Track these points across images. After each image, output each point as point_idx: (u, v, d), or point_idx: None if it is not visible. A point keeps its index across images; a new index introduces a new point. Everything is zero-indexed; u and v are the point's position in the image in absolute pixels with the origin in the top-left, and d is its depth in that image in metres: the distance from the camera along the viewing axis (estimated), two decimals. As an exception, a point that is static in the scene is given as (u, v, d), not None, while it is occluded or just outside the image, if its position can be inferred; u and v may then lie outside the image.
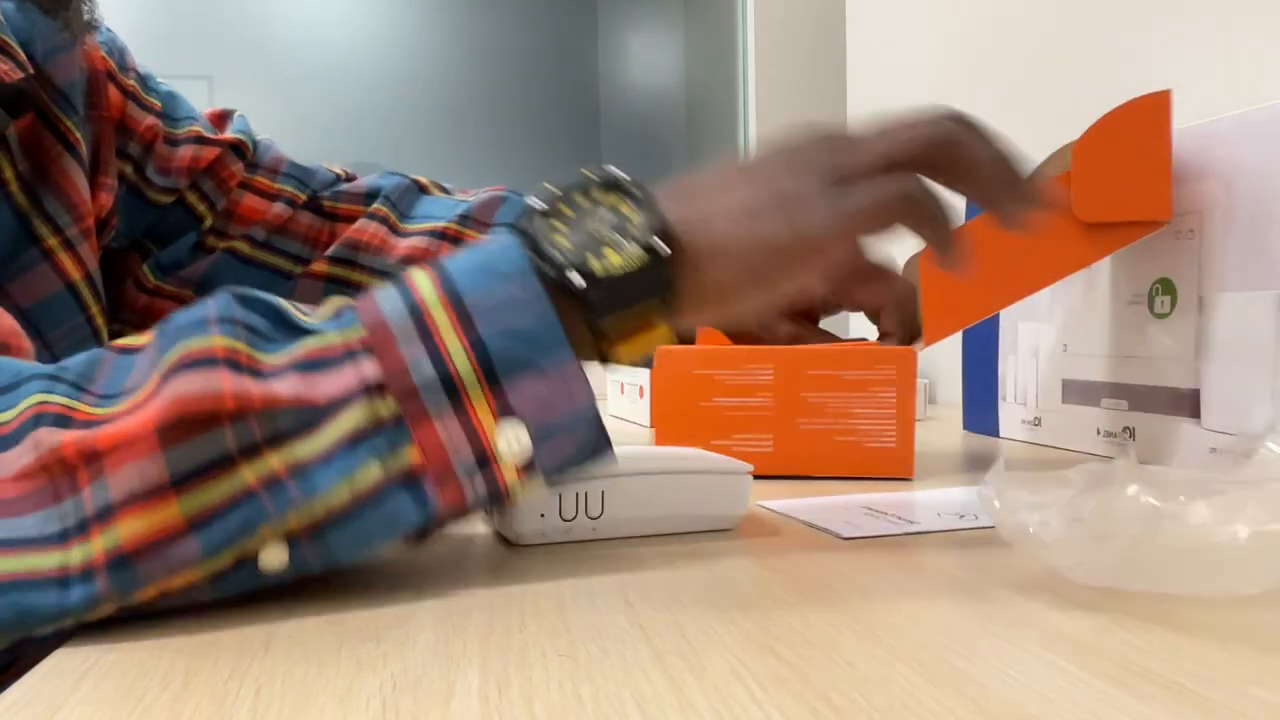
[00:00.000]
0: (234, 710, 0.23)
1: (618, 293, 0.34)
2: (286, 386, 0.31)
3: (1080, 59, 0.94)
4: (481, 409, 0.32)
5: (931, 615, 0.30)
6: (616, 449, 0.37)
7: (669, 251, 0.34)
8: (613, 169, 0.36)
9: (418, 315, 0.32)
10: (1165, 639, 0.27)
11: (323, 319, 0.33)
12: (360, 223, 0.68)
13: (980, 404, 0.79)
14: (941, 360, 1.18)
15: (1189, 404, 0.56)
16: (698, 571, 0.36)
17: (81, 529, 0.29)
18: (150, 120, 0.63)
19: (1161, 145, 0.55)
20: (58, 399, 0.31)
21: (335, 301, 0.34)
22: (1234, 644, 0.27)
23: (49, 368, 0.32)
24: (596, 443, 0.35)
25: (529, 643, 0.28)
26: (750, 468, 0.43)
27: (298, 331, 0.33)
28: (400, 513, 0.31)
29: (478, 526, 0.45)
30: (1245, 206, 0.53)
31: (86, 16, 0.51)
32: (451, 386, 0.32)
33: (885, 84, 1.37)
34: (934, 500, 0.48)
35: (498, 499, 0.33)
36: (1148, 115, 0.54)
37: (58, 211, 0.51)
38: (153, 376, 0.31)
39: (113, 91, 0.60)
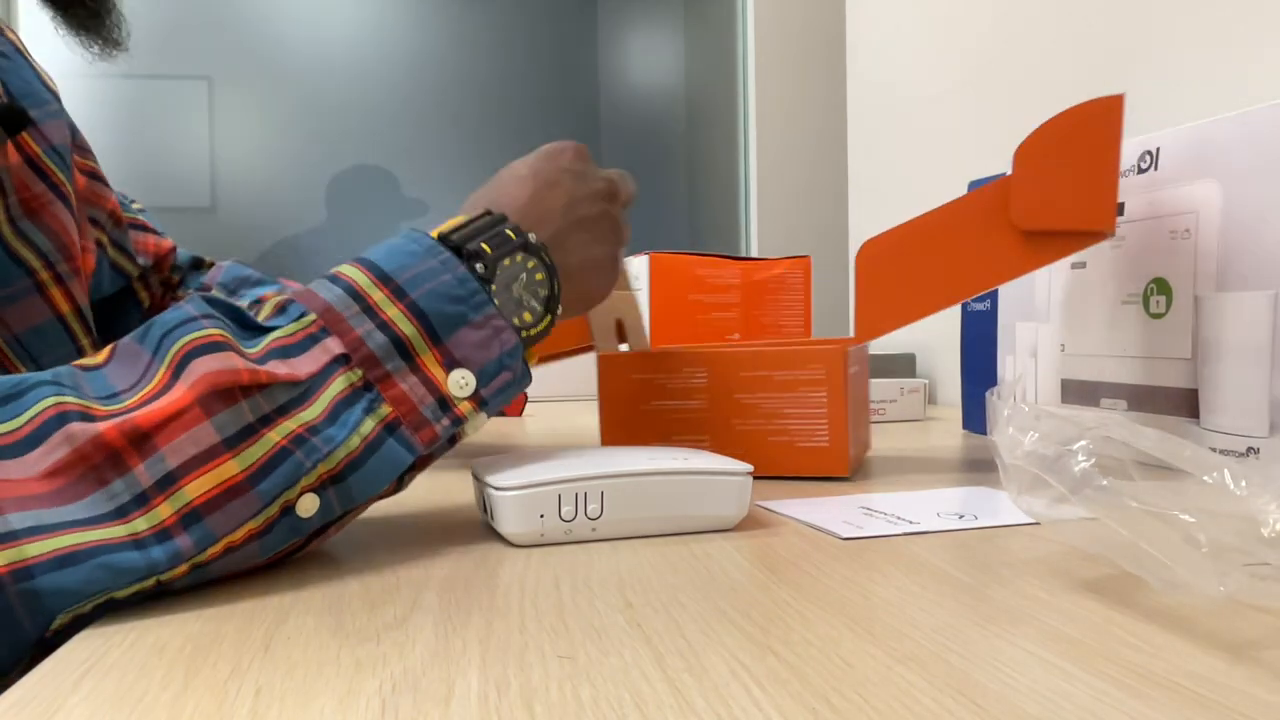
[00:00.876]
0: (234, 710, 0.23)
1: (531, 343, 0.43)
2: (274, 367, 0.35)
3: (1080, 59, 0.94)
4: (431, 364, 0.39)
5: (931, 615, 0.30)
6: (616, 450, 0.39)
7: (560, 310, 0.44)
8: (530, 235, 0.43)
9: (357, 296, 0.38)
10: (1165, 639, 0.27)
11: (270, 317, 0.38)
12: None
13: (979, 404, 0.79)
14: (941, 361, 1.18)
15: (1187, 404, 0.56)
16: (697, 572, 0.36)
17: (141, 502, 0.32)
18: (112, 197, 0.67)
19: (1109, 153, 0.52)
20: (71, 399, 0.33)
21: (273, 301, 0.39)
22: (1233, 644, 0.27)
23: (44, 375, 0.34)
24: (525, 372, 0.42)
25: (528, 643, 0.28)
26: (750, 468, 0.43)
27: (258, 330, 0.37)
28: (396, 455, 0.37)
29: (477, 528, 0.45)
30: (1240, 207, 0.53)
31: (115, 35, 0.53)
32: (403, 349, 0.38)
33: (885, 84, 1.37)
34: (934, 500, 0.49)
35: (459, 428, 0.39)
36: (1096, 121, 0.52)
37: (49, 250, 0.53)
38: (158, 370, 0.34)
39: (76, 171, 0.62)
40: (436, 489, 0.56)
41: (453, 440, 0.40)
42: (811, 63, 1.51)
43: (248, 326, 0.37)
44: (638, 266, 0.93)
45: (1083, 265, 0.64)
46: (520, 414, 1.02)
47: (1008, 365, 0.74)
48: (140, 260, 0.71)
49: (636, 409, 0.58)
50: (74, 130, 0.65)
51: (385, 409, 0.37)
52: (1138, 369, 0.60)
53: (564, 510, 0.40)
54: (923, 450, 0.69)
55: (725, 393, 0.56)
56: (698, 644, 0.27)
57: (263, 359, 0.35)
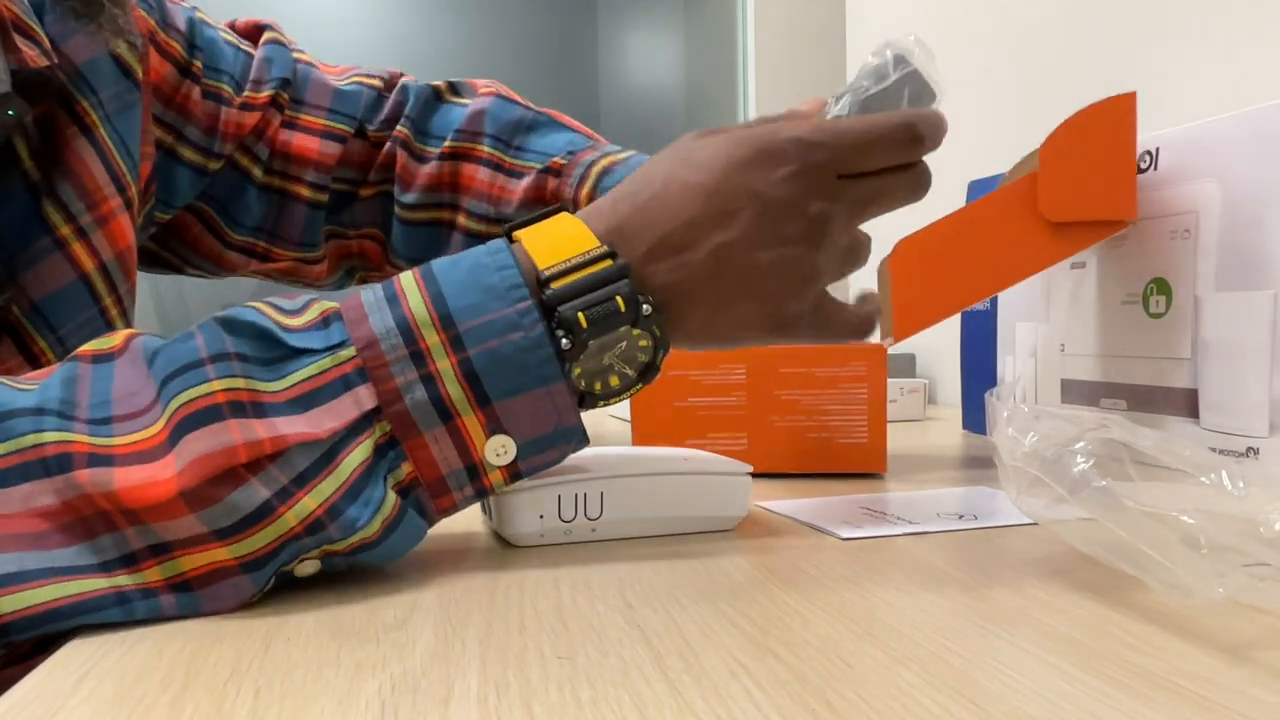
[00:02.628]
0: (234, 711, 0.23)
1: (605, 401, 0.37)
2: (290, 425, 0.32)
3: (1080, 59, 0.94)
4: (473, 426, 0.34)
5: (930, 616, 0.30)
6: (616, 450, 0.38)
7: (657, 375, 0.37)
8: (645, 307, 0.36)
9: (409, 335, 0.33)
10: (1165, 639, 0.27)
11: (308, 324, 0.34)
12: (388, 147, 0.69)
13: (979, 404, 0.79)
14: (941, 361, 1.18)
15: (1187, 403, 0.56)
16: (697, 572, 0.36)
17: (128, 561, 0.31)
18: (188, 87, 0.62)
19: (1126, 146, 0.55)
20: (51, 436, 0.31)
21: (319, 305, 0.35)
22: (1233, 644, 0.27)
23: (30, 399, 0.32)
24: (583, 437, 0.37)
25: (528, 644, 0.28)
26: (749, 468, 0.43)
27: (287, 351, 0.33)
28: (413, 529, 0.34)
29: (477, 528, 0.45)
30: (1240, 206, 0.53)
31: (121, 21, 0.51)
32: (444, 410, 0.33)
33: (885, 84, 1.37)
34: (934, 500, 0.49)
35: (482, 497, 0.36)
36: (1113, 117, 0.55)
37: (71, 199, 0.51)
38: (158, 420, 0.31)
39: (154, 55, 0.59)
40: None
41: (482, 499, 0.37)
42: (811, 63, 1.51)
43: (275, 345, 0.33)
44: None
45: (1083, 265, 0.64)
46: None
47: (1008, 365, 0.74)
48: (211, 144, 0.63)
49: (670, 406, 0.57)
50: (158, 8, 0.60)
51: (405, 469, 0.33)
52: (1138, 369, 0.60)
53: (564, 511, 0.40)
54: (923, 450, 0.69)
55: (764, 389, 0.56)
56: (697, 645, 0.27)
57: (280, 407, 0.32)
